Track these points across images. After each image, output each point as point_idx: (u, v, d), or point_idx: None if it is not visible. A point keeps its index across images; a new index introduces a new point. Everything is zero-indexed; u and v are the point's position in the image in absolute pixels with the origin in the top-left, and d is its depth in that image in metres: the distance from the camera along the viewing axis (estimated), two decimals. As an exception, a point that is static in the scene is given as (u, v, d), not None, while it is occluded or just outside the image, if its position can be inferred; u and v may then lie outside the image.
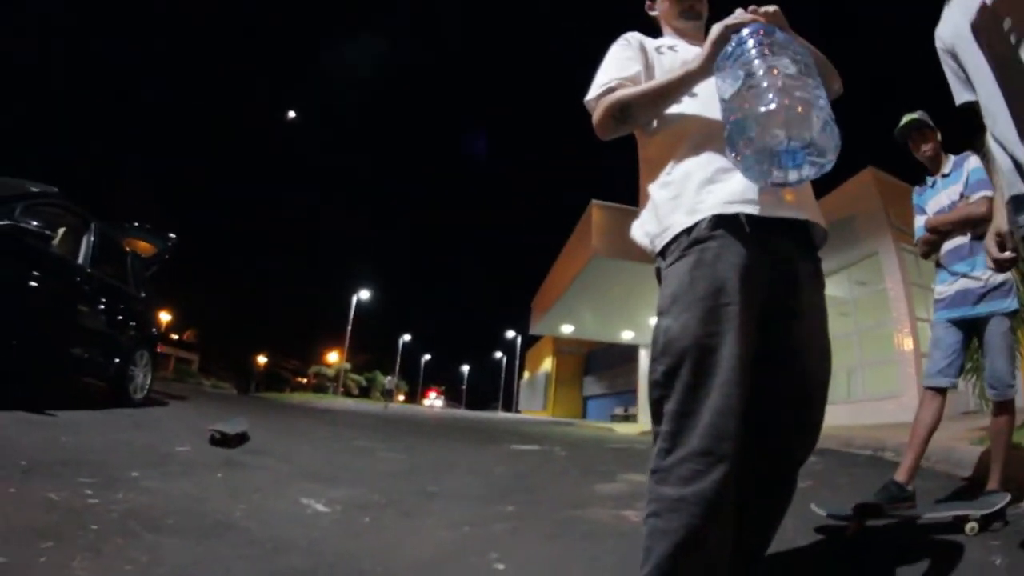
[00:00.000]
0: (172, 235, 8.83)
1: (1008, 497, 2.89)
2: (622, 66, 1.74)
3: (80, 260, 6.28)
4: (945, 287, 3.39)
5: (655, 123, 1.72)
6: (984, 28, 1.44)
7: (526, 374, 56.85)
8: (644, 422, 22.53)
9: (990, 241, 1.78)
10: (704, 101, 1.60)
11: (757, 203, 1.47)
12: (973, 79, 1.54)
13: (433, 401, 74.13)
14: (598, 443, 11.08)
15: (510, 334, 62.04)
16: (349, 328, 41.95)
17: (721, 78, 1.48)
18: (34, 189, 5.45)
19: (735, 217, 1.46)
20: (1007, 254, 1.73)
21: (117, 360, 7.08)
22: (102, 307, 6.66)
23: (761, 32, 1.47)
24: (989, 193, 3.00)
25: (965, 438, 4.86)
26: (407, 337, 63.28)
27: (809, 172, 1.39)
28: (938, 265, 3.49)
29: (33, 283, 5.29)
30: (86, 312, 6.35)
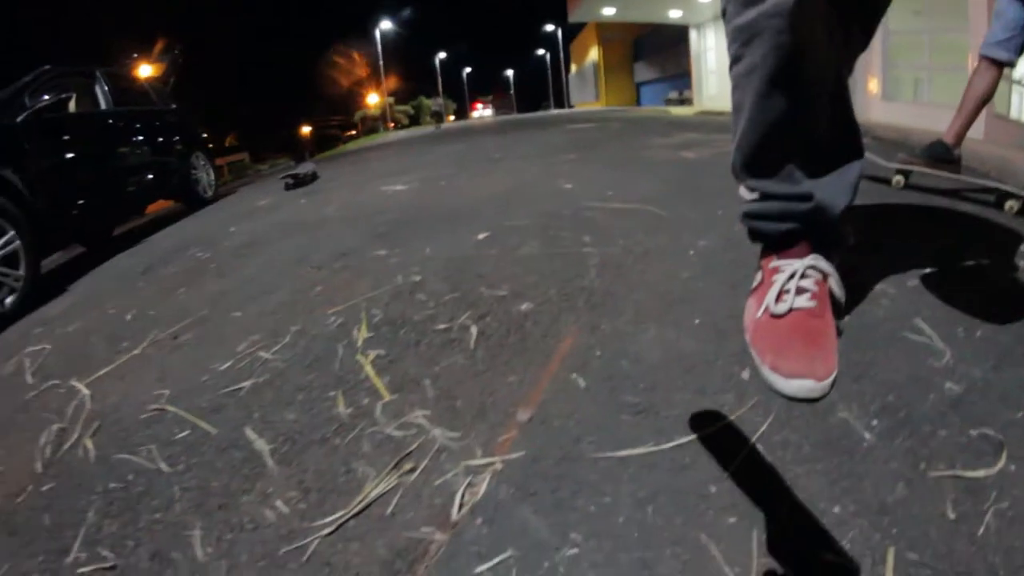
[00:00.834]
0: (176, 49, 9.04)
1: None
2: None
3: (103, 106, 6.54)
4: None
5: None
6: None
7: (573, 67, 55.63)
8: (699, 104, 22.84)
9: None
10: None
11: None
12: None
13: (482, 112, 73.49)
14: (653, 119, 11.68)
15: (549, 28, 59.79)
16: (380, 63, 41.53)
17: None
18: (27, 79, 5.47)
19: None
20: None
21: (177, 171, 7.52)
22: (143, 134, 6.93)
23: None
24: None
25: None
26: (442, 55, 61.83)
27: None
28: None
29: (74, 146, 5.52)
30: (131, 145, 6.67)
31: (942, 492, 1.01)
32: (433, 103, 36.57)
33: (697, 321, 1.77)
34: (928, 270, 1.88)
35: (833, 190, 1.34)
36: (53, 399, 2.08)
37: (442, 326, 2.01)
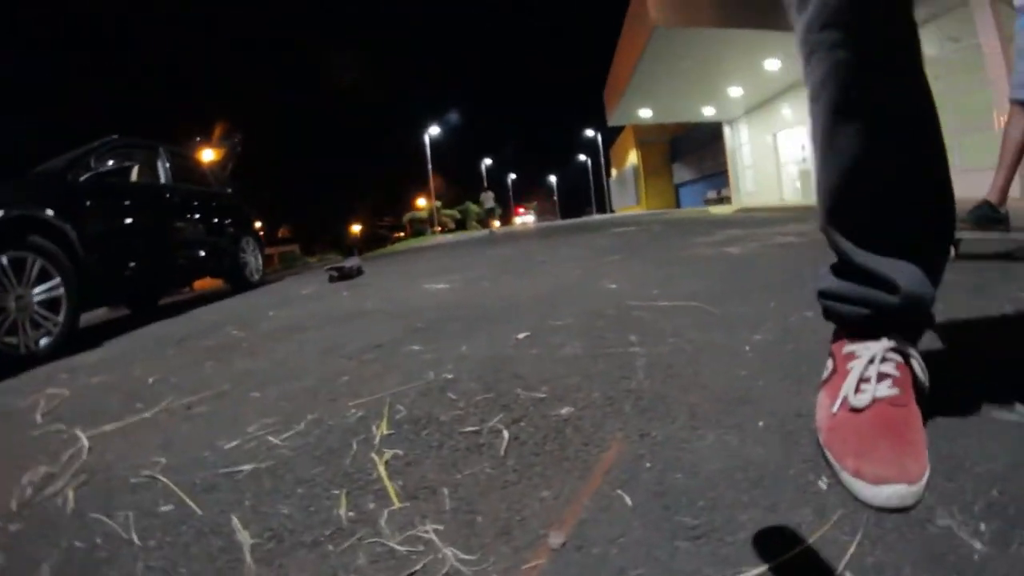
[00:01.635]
0: (236, 137, 9.59)
1: None
2: None
3: (163, 180, 6.84)
4: None
5: None
6: None
7: (613, 172, 56.80)
8: (738, 202, 22.94)
9: None
10: None
11: None
12: None
13: (524, 218, 74.96)
14: (694, 219, 11.74)
15: (589, 133, 61.68)
16: (429, 167, 43.04)
17: None
18: (95, 144, 5.82)
19: None
20: None
21: (226, 252, 7.73)
22: (197, 213, 7.19)
23: None
24: None
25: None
26: (488, 161, 63.95)
27: None
28: None
29: (131, 212, 5.82)
30: (184, 221, 6.94)
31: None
32: (486, 199, 30.92)
33: (761, 424, 1.55)
34: (1007, 339, 1.71)
35: (921, 279, 1.17)
36: (53, 443, 2.10)
37: (470, 428, 1.81)
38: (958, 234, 3.00)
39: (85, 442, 2.07)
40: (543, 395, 2.02)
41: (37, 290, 4.23)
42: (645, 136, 40.26)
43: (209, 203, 7.56)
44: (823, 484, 1.22)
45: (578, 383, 2.10)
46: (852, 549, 1.01)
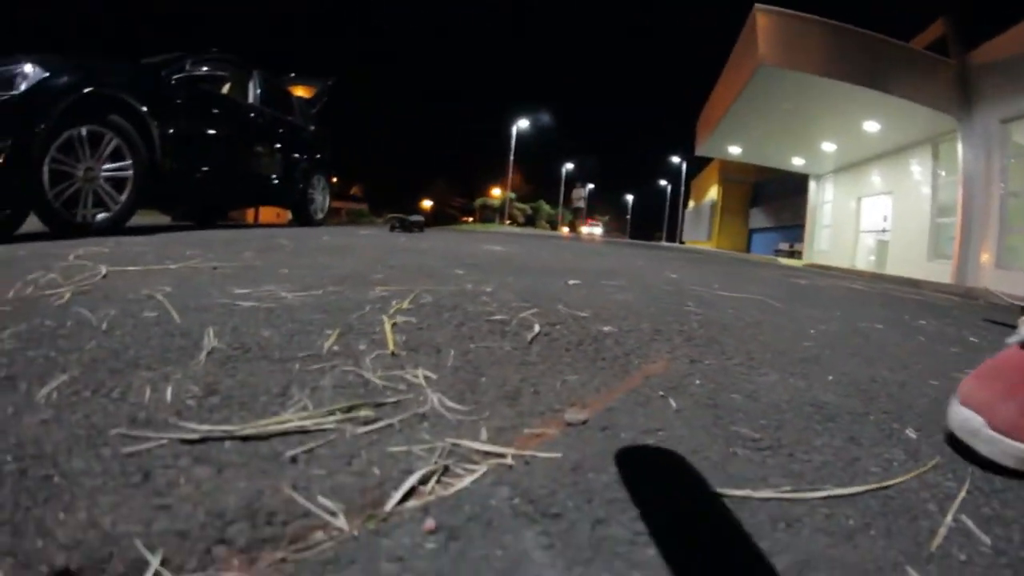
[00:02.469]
0: (330, 81, 9.52)
1: None
2: None
3: (250, 100, 6.83)
4: None
5: None
6: None
7: (691, 203, 55.87)
8: (809, 258, 22.20)
9: None
10: None
11: None
12: None
13: (591, 229, 74.44)
14: (761, 263, 11.48)
15: (675, 160, 60.64)
16: (512, 158, 42.76)
17: None
18: (194, 53, 5.84)
19: None
20: None
21: (296, 184, 7.68)
22: (276, 139, 7.17)
23: None
24: None
25: None
26: (569, 166, 63.15)
27: None
28: None
29: (213, 121, 5.81)
30: (263, 143, 6.93)
31: None
32: (577, 196, 23.86)
33: (831, 378, 1.37)
34: None
35: None
36: (74, 270, 2.02)
37: (499, 317, 1.57)
38: None
39: (103, 271, 1.98)
40: (585, 314, 1.76)
41: (107, 167, 4.25)
42: (730, 174, 39.36)
43: (289, 134, 7.58)
44: (912, 433, 1.04)
45: (626, 315, 1.85)
46: (962, 495, 0.80)
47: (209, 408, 0.88)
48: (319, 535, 0.61)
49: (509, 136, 43.47)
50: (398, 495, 0.67)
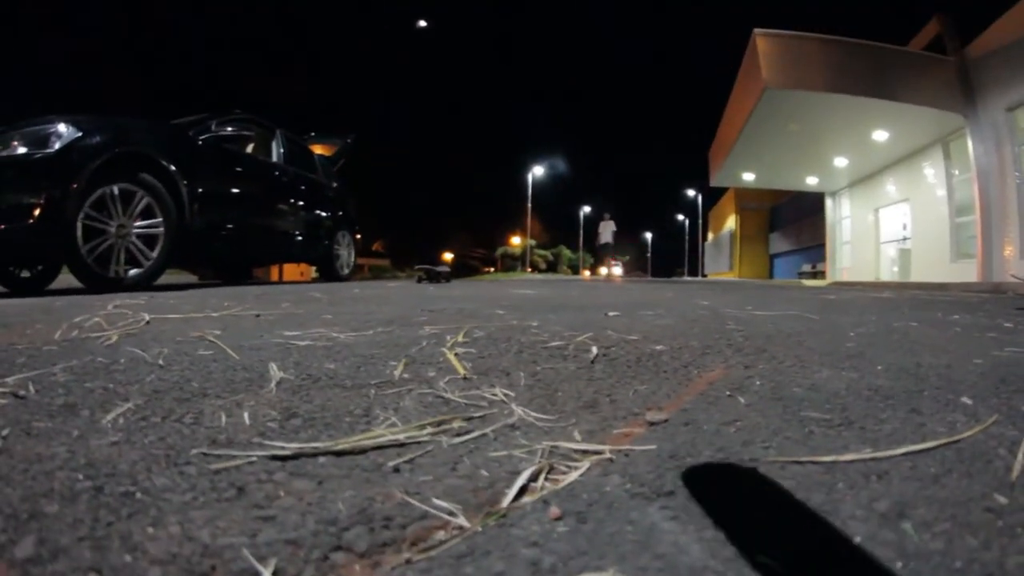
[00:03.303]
0: (349, 138, 9.46)
1: None
2: None
3: (274, 159, 7.00)
4: None
5: None
6: None
7: (710, 235, 55.83)
8: (832, 276, 21.99)
9: None
10: None
11: None
12: None
13: (612, 268, 73.91)
14: (787, 287, 11.49)
15: (691, 193, 60.64)
16: (529, 205, 42.99)
17: None
18: (219, 116, 6.03)
19: None
20: None
21: (321, 241, 7.81)
22: (300, 196, 7.31)
23: None
24: None
25: None
26: (587, 209, 63.26)
27: None
28: None
29: (239, 179, 5.99)
30: (287, 201, 7.06)
31: None
32: (604, 230, 21.17)
33: (880, 367, 1.46)
34: None
35: None
36: (116, 318, 2.12)
37: (555, 343, 1.66)
38: None
39: (146, 318, 2.09)
40: (635, 337, 1.85)
41: (139, 224, 4.41)
42: (746, 202, 39.35)
43: (313, 192, 7.75)
44: (967, 400, 1.12)
45: (673, 335, 1.94)
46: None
47: (293, 429, 0.94)
48: (441, 534, 0.62)
49: (526, 184, 43.74)
50: (512, 492, 0.72)
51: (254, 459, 0.81)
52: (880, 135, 15.39)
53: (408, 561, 0.57)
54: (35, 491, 0.69)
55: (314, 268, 8.58)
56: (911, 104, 12.23)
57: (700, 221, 58.60)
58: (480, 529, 0.64)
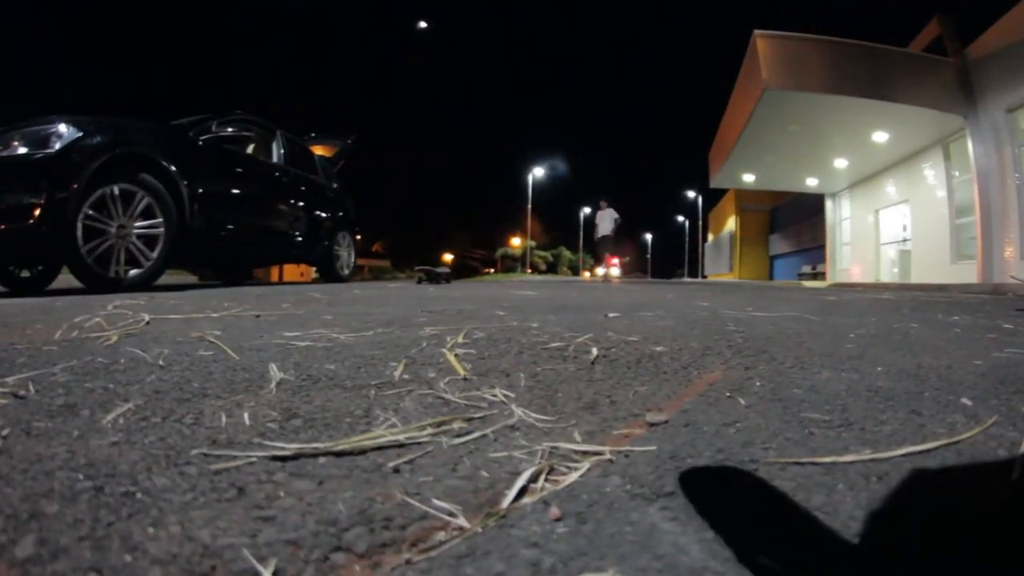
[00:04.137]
0: (350, 139, 9.43)
1: None
2: None
3: (274, 159, 7.00)
4: None
5: None
6: None
7: (710, 236, 55.78)
8: (832, 278, 21.98)
9: None
10: None
11: None
12: None
13: (610, 268, 73.88)
14: (787, 288, 11.52)
15: (691, 194, 60.59)
16: (529, 207, 42.98)
17: None
18: (220, 115, 6.07)
19: None
20: None
21: (321, 242, 7.82)
22: (300, 197, 7.30)
23: None
24: None
25: None
26: (587, 210, 63.17)
27: None
28: None
29: (239, 180, 5.99)
30: (287, 201, 7.06)
31: None
32: (602, 220, 19.77)
33: (880, 368, 1.47)
34: None
35: None
36: (116, 318, 2.12)
37: (555, 345, 1.66)
38: None
39: (146, 318, 2.10)
40: (635, 339, 1.86)
41: (139, 224, 4.43)
42: (746, 203, 39.30)
43: (313, 192, 7.75)
44: (967, 401, 1.13)
45: (673, 336, 1.94)
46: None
47: (293, 430, 0.94)
48: (441, 535, 0.62)
49: (526, 185, 43.74)
50: (512, 492, 0.72)
51: (254, 459, 0.81)
52: (880, 136, 15.37)
53: (408, 562, 0.58)
54: (35, 491, 0.69)
55: (314, 269, 8.56)
56: (911, 105, 12.22)
57: (700, 222, 58.55)
58: (480, 530, 0.64)
